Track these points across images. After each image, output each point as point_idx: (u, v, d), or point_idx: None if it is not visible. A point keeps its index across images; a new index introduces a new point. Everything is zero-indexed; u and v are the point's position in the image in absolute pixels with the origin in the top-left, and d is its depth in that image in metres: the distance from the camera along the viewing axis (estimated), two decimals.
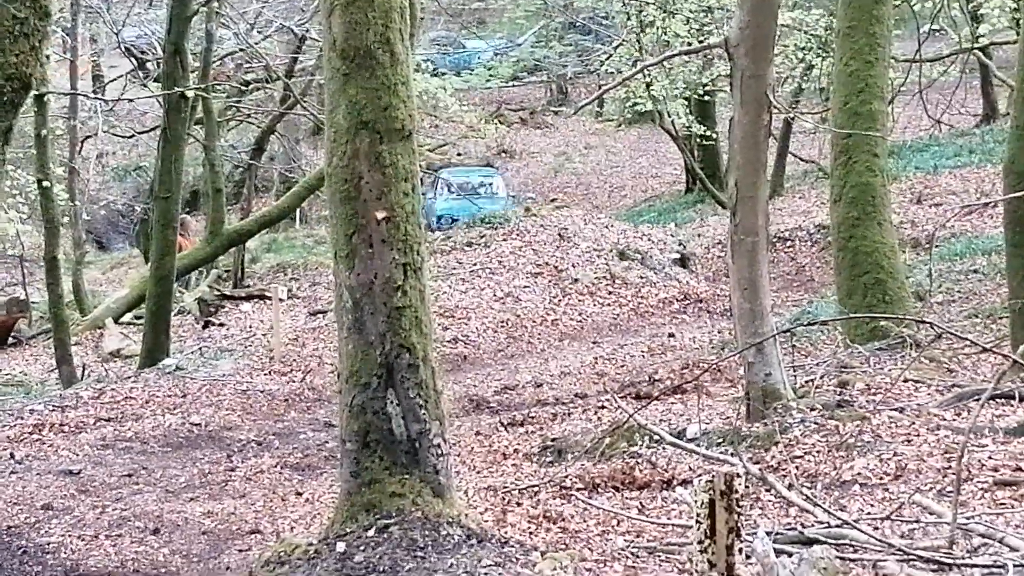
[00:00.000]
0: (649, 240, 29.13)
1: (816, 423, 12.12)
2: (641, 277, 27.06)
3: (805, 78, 31.72)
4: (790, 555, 7.69)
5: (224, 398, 19.26)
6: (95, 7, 32.91)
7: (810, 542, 8.32)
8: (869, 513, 9.51)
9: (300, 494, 13.58)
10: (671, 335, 22.74)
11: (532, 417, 16.30)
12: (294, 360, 21.96)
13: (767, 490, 10.00)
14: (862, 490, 10.31)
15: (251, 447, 16.50)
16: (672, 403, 15.62)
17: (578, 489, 11.50)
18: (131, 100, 32.65)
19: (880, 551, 8.30)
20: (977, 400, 11.43)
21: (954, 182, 29.90)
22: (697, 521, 6.95)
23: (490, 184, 38.45)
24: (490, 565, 8.64)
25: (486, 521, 9.99)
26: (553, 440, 14.01)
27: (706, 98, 34.85)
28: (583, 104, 35.51)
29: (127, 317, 27.58)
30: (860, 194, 17.11)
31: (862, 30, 17.28)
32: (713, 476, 6.84)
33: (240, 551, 11.56)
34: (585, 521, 10.39)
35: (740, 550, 7.35)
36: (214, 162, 29.54)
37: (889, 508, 9.53)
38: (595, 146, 45.43)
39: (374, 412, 9.35)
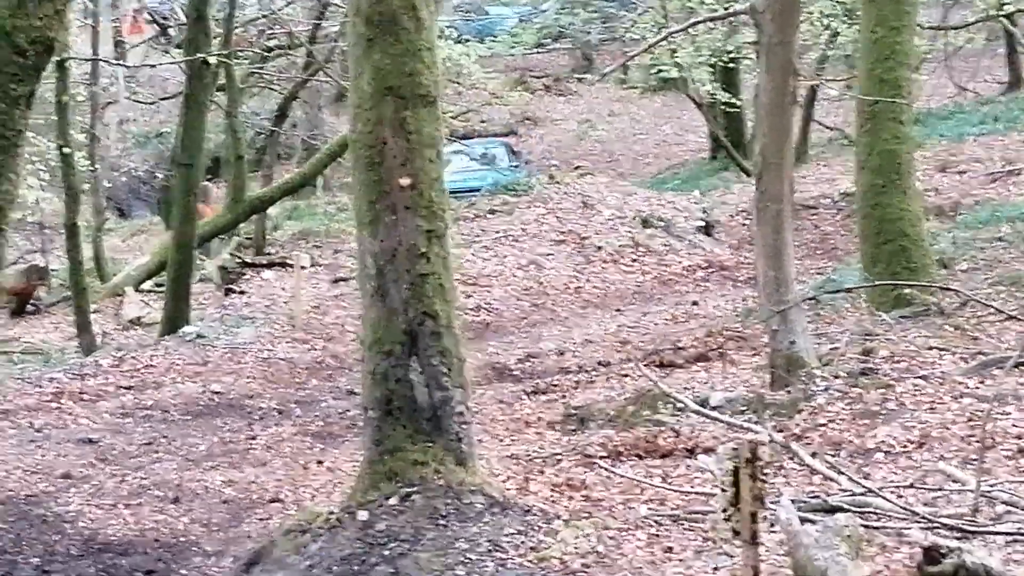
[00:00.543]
0: (673, 208, 29.06)
1: (840, 391, 12.14)
2: (665, 245, 27.00)
3: (830, 45, 31.50)
4: (814, 523, 7.72)
5: (245, 366, 19.26)
6: None
7: (834, 510, 8.35)
8: (893, 481, 9.53)
9: (321, 463, 13.58)
10: (695, 303, 22.70)
11: (555, 385, 16.31)
12: (316, 328, 21.95)
13: (791, 458, 10.01)
14: (886, 458, 10.32)
15: (272, 415, 16.50)
16: (696, 371, 15.63)
17: (601, 457, 11.52)
18: (153, 66, 32.55)
19: (904, 519, 8.33)
20: (1001, 368, 11.44)
21: (979, 150, 29.74)
22: (722, 489, 6.99)
23: (493, 155, 37.92)
24: (513, 533, 8.68)
25: (508, 489, 10.03)
26: (576, 408, 14.03)
27: (731, 65, 34.61)
28: (608, 71, 35.19)
29: (147, 284, 27.59)
30: (885, 162, 17.08)
31: None
32: (738, 444, 6.87)
33: (261, 520, 11.59)
34: (608, 489, 10.41)
35: (764, 518, 7.39)
36: (236, 129, 29.49)
37: (913, 476, 9.55)
38: (619, 113, 45.29)
39: (397, 380, 9.39)
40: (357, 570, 8.48)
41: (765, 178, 13.30)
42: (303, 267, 23.13)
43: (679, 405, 12.29)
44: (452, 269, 9.74)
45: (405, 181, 9.35)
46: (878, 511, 8.52)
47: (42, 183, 26.61)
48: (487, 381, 17.35)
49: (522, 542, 8.55)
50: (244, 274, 28.24)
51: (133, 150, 42.11)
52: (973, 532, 7.90)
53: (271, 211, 31.99)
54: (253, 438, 15.22)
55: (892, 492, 8.95)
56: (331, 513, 9.25)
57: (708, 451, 10.85)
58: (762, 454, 7.11)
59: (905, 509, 8.43)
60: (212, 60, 23.37)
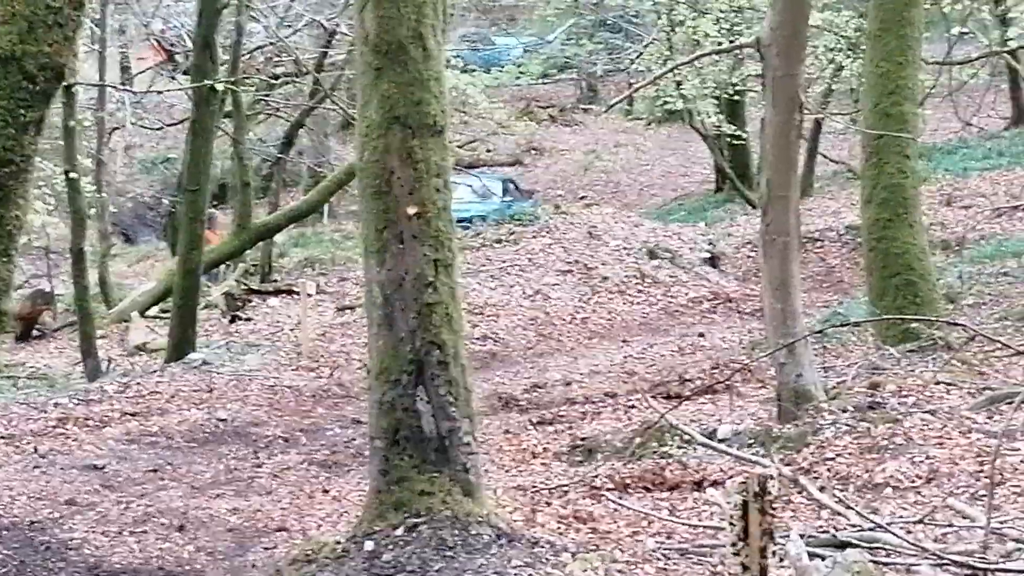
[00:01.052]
0: (679, 239, 29.10)
1: (848, 425, 12.09)
2: (671, 276, 27.03)
3: (835, 79, 31.57)
4: (823, 558, 7.67)
5: (251, 394, 19.20)
6: None
7: (843, 545, 8.30)
8: (902, 516, 9.47)
9: (327, 492, 13.51)
10: (701, 335, 22.70)
11: (561, 416, 16.26)
12: (322, 356, 21.94)
13: (799, 492, 9.96)
14: (894, 493, 10.27)
15: (278, 443, 16.42)
16: (703, 403, 15.57)
17: (608, 489, 11.47)
18: (160, 92, 32.59)
19: (913, 555, 8.28)
20: (1010, 403, 11.39)
21: (983, 184, 29.81)
22: (730, 523, 6.92)
23: (487, 189, 37.20)
24: (520, 565, 8.62)
25: (516, 521, 9.97)
26: (583, 439, 13.99)
27: (736, 98, 34.75)
28: (613, 102, 35.43)
29: (153, 311, 27.56)
30: (891, 195, 17.09)
31: (893, 32, 17.26)
32: (747, 478, 6.82)
33: (266, 549, 11.49)
34: (615, 522, 10.36)
35: (773, 553, 7.32)
36: (242, 156, 29.51)
37: (922, 512, 9.49)
38: (624, 144, 45.29)
39: (404, 409, 9.32)
40: None
41: (771, 211, 13.28)
42: (309, 295, 23.11)
43: (686, 437, 12.25)
44: (460, 298, 9.69)
45: (412, 210, 9.30)
46: (887, 547, 8.46)
47: (48, 208, 26.64)
48: (493, 411, 17.31)
49: (530, 574, 8.49)
50: (250, 301, 28.23)
51: (139, 175, 42.21)
52: (983, 569, 7.84)
53: (277, 238, 32.00)
54: (259, 466, 15.16)
55: (901, 528, 8.90)
56: (337, 543, 9.20)
57: (715, 484, 10.82)
58: (771, 488, 7.04)
59: (915, 545, 8.37)
60: (219, 87, 23.37)
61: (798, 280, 13.41)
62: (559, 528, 10.22)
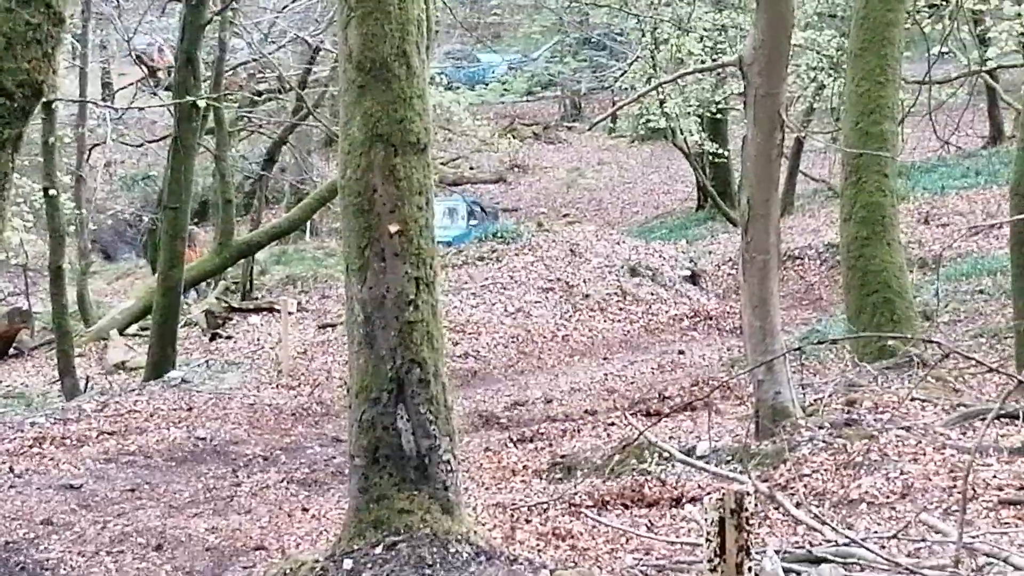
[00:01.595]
0: (660, 257, 29.16)
1: (824, 441, 12.15)
2: (652, 294, 27.08)
3: (817, 97, 31.70)
4: (799, 574, 7.74)
5: (230, 412, 19.16)
6: (106, 14, 32.75)
7: (818, 561, 8.37)
8: (876, 532, 9.54)
9: (306, 510, 13.48)
10: (681, 352, 22.75)
11: (542, 433, 16.27)
12: (302, 374, 21.91)
13: (776, 508, 10.03)
14: (869, 509, 10.34)
15: (257, 462, 16.39)
16: (682, 420, 15.61)
17: (587, 506, 11.51)
18: (141, 109, 32.47)
19: (887, 570, 8.34)
20: (983, 420, 11.49)
21: (961, 203, 29.94)
22: (707, 539, 6.99)
23: (453, 211, 37.17)
24: None
25: (495, 538, 9.99)
26: (563, 457, 14.03)
27: (718, 116, 34.88)
28: (597, 120, 35.57)
29: (132, 328, 27.45)
30: (870, 214, 17.17)
31: (873, 52, 17.35)
32: (724, 494, 6.89)
33: (244, 568, 11.46)
34: (594, 539, 10.40)
35: (749, 569, 7.40)
36: (224, 173, 29.41)
37: (896, 527, 9.55)
38: (608, 162, 45.43)
39: (384, 427, 9.33)
40: None
41: (751, 229, 13.32)
42: (290, 312, 23.11)
43: (665, 454, 12.30)
44: (440, 316, 9.72)
45: (394, 228, 9.30)
46: (862, 562, 8.53)
47: (26, 224, 26.53)
48: (474, 429, 17.34)
49: None
50: (230, 319, 28.19)
51: (120, 192, 42.12)
52: None
53: (258, 256, 31.96)
54: (238, 485, 15.12)
55: (876, 543, 8.96)
56: (316, 562, 9.18)
57: (694, 501, 10.88)
58: (748, 504, 7.12)
59: (888, 560, 8.44)
60: (201, 103, 23.22)
61: (777, 298, 13.46)
62: (538, 545, 10.26)
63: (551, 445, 15.38)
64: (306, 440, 17.67)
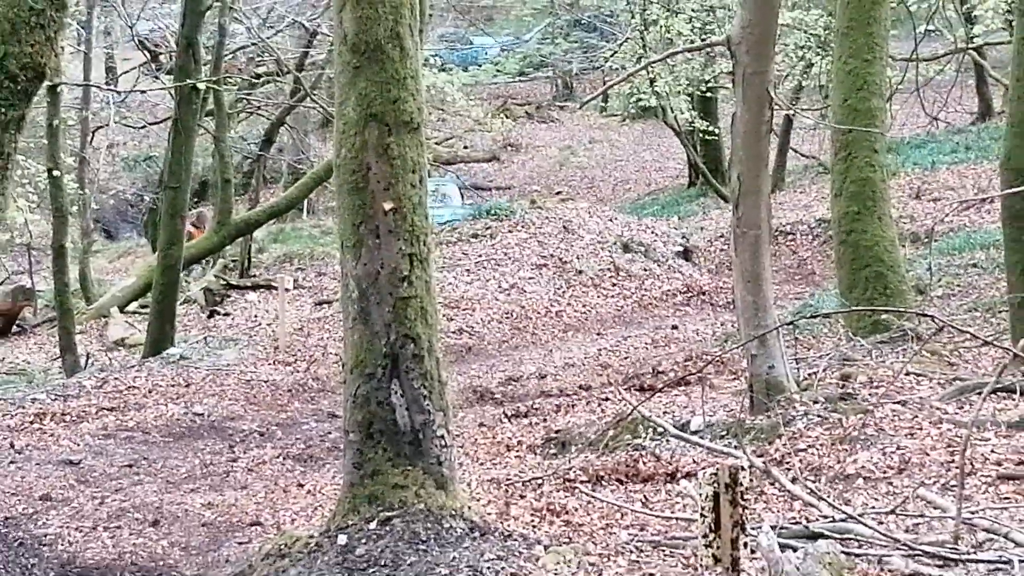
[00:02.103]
0: (652, 233, 29.07)
1: (819, 416, 11.98)
2: (645, 269, 26.99)
3: (805, 76, 31.59)
4: (795, 550, 7.53)
5: (228, 388, 19.09)
6: (111, 1, 32.85)
7: (815, 536, 8.17)
8: (873, 507, 9.34)
9: (302, 485, 13.38)
10: (674, 327, 22.64)
11: (536, 409, 16.17)
12: (298, 350, 21.83)
13: (771, 483, 9.83)
14: (866, 484, 10.14)
15: (253, 437, 16.32)
16: (676, 395, 15.48)
17: (582, 482, 11.35)
18: (143, 92, 32.53)
19: (885, 546, 8.16)
20: (979, 393, 11.26)
21: (952, 178, 29.82)
22: (702, 515, 6.84)
23: (444, 194, 36.58)
24: (493, 559, 8.49)
25: (489, 514, 9.85)
26: (557, 432, 13.88)
27: (708, 94, 34.78)
28: (588, 99, 35.49)
29: (133, 306, 27.51)
30: (860, 189, 17.10)
31: (860, 30, 17.31)
32: (718, 469, 6.71)
33: (240, 543, 11.36)
34: (589, 514, 10.23)
35: (745, 544, 7.21)
36: (224, 153, 29.44)
37: (893, 502, 9.36)
38: (599, 140, 45.31)
39: (378, 403, 9.23)
40: None
41: (742, 205, 13.20)
42: (287, 289, 23.03)
43: (659, 429, 12.13)
44: (435, 292, 9.58)
45: (388, 205, 9.24)
46: (859, 538, 8.33)
47: (30, 204, 26.51)
48: (468, 404, 17.22)
49: (502, 568, 8.34)
50: (228, 296, 28.20)
51: (122, 173, 42.08)
52: (955, 560, 7.72)
53: (256, 234, 31.89)
54: (234, 460, 15.04)
55: (873, 518, 8.76)
56: (311, 537, 9.07)
57: (688, 476, 10.70)
58: (742, 479, 6.93)
59: (886, 536, 8.25)
60: (201, 86, 23.44)
61: (769, 273, 13.34)
62: (532, 521, 10.10)
63: (545, 420, 15.26)
64: (302, 416, 17.58)
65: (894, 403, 12.21)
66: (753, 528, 7.71)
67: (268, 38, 32.03)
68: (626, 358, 19.95)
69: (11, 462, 14.83)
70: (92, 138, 31.97)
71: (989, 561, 7.75)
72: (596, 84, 42.01)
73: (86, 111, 30.10)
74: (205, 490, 13.52)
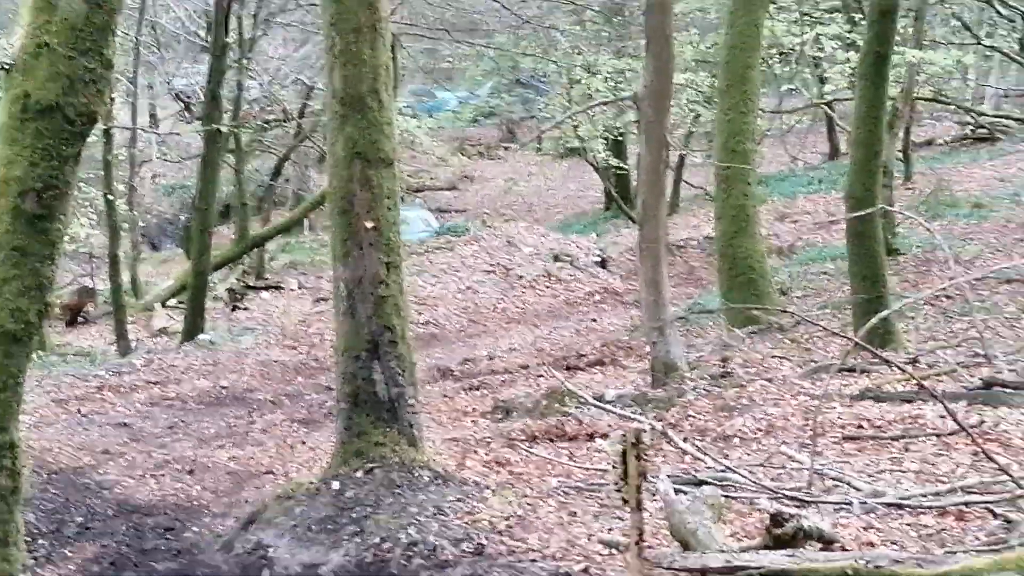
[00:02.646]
0: (576, 246, 28.98)
1: (705, 390, 12.04)
2: (571, 275, 26.92)
3: (695, 124, 31.56)
4: (686, 494, 7.56)
5: (246, 366, 18.95)
6: (153, 62, 32.84)
7: (701, 483, 8.22)
8: (746, 461, 9.40)
9: (305, 443, 13.31)
10: (594, 320, 22.60)
11: (486, 383, 16.13)
12: (302, 337, 21.69)
13: (667, 442, 9.87)
14: (741, 443, 10.20)
15: (267, 406, 16.22)
16: (594, 373, 15.49)
17: (521, 440, 11.35)
18: (179, 134, 32.40)
19: (755, 491, 8.20)
20: (828, 373, 11.36)
21: (808, 205, 29.89)
22: (613, 466, 6.83)
23: (423, 219, 35.92)
24: (452, 500, 8.51)
25: (449, 465, 9.84)
26: (502, 402, 13.86)
27: (620, 138, 34.67)
28: (526, 141, 35.48)
29: (172, 302, 27.32)
30: (737, 213, 17.14)
31: (737, 88, 17.33)
32: (626, 431, 6.72)
33: (257, 488, 11.31)
34: (527, 466, 10.24)
35: (647, 490, 7.22)
36: (242, 182, 29.37)
37: (762, 457, 9.43)
38: (536, 174, 44.95)
39: (363, 379, 9.27)
40: (331, 529, 8.28)
41: (645, 224, 13.25)
42: (292, 290, 22.90)
43: (581, 400, 12.14)
44: (406, 292, 9.58)
45: (369, 224, 9.26)
46: (735, 484, 8.39)
47: (91, 222, 26.31)
48: (433, 380, 17.15)
49: (460, 507, 8.36)
50: (247, 295, 28.01)
51: (163, 198, 41.66)
52: (808, 502, 7.77)
53: (269, 246, 31.72)
54: (252, 423, 14.94)
55: (746, 469, 8.82)
56: (311, 483, 9.07)
57: (603, 436, 10.71)
58: (645, 439, 6.95)
59: (756, 483, 8.31)
60: (224, 129, 23.35)
61: (666, 278, 13.37)
62: (483, 471, 10.09)
63: (493, 392, 15.22)
64: (305, 389, 17.48)
65: (763, 380, 12.28)
66: (653, 477, 7.74)
67: (276, 92, 31.92)
68: (556, 344, 19.91)
69: (78, 424, 14.75)
70: (139, 170, 31.69)
71: (835, 503, 7.81)
72: (533, 129, 41.95)
73: (134, 148, 29.84)
74: (229, 447, 13.46)
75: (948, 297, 16.49)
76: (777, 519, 6.61)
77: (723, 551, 6.32)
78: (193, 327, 21.92)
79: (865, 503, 7.53)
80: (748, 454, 9.73)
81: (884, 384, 11.34)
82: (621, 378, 14.41)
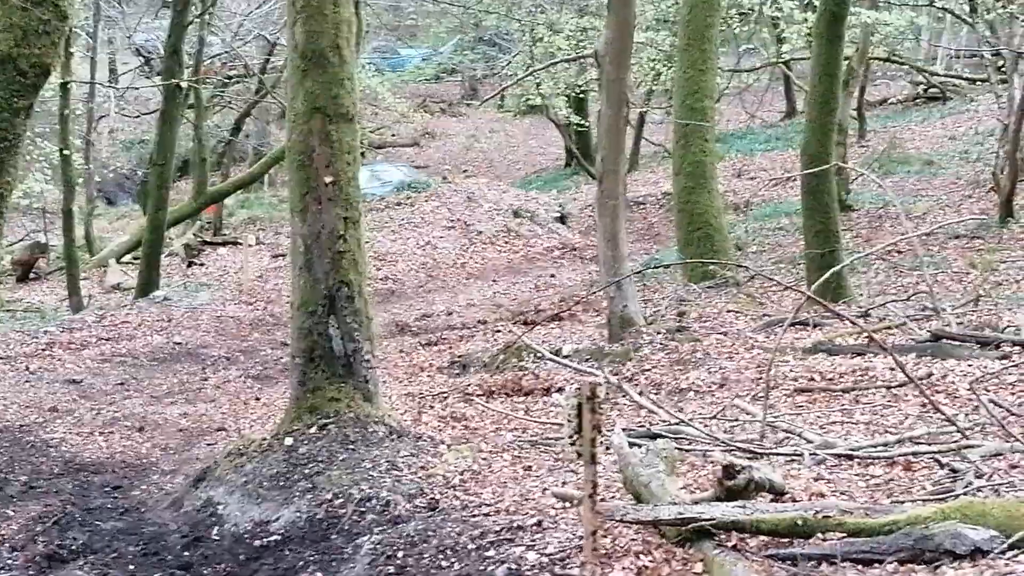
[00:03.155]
0: (537, 203, 28.97)
1: (661, 344, 12.05)
2: (530, 231, 26.91)
3: (655, 82, 31.48)
4: (640, 446, 7.55)
5: (201, 322, 18.84)
6: (113, 16, 32.45)
7: (655, 436, 8.20)
8: (700, 414, 9.40)
9: (259, 399, 13.27)
10: (552, 276, 22.62)
11: (444, 339, 16.11)
12: (259, 293, 21.59)
13: (623, 396, 9.87)
14: (695, 396, 10.21)
15: (221, 362, 16.12)
16: (552, 328, 15.49)
17: (478, 395, 11.34)
18: (138, 88, 32.11)
19: (709, 443, 8.20)
20: (781, 326, 11.38)
21: (765, 162, 29.97)
22: (568, 420, 6.80)
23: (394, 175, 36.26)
24: (407, 455, 8.45)
25: (405, 420, 9.81)
26: (460, 356, 13.85)
27: (581, 96, 34.59)
28: (488, 98, 35.23)
29: (127, 258, 27.10)
30: (695, 169, 17.18)
31: (696, 47, 17.34)
32: (581, 385, 6.70)
33: (208, 445, 11.22)
34: (483, 420, 10.22)
35: (601, 443, 7.20)
36: (201, 138, 28.97)
37: (715, 410, 9.43)
38: (497, 131, 45.03)
39: (319, 334, 9.19)
40: (283, 485, 8.19)
41: (605, 181, 13.23)
42: (250, 245, 22.77)
43: (538, 354, 12.13)
44: (364, 248, 9.51)
45: (328, 179, 9.17)
46: (689, 437, 8.38)
47: (46, 177, 25.99)
48: (391, 335, 17.11)
49: (414, 462, 8.31)
50: (204, 250, 27.82)
51: (120, 153, 41.20)
52: (760, 453, 7.77)
53: (227, 201, 31.46)
54: (205, 380, 14.85)
55: (700, 422, 8.83)
56: (263, 439, 8.99)
57: (559, 390, 10.70)
58: (600, 393, 6.92)
59: (709, 436, 8.30)
60: (184, 85, 23.15)
61: (624, 233, 13.38)
62: (439, 426, 10.06)
63: (451, 348, 15.20)
64: (260, 344, 17.40)
65: (718, 334, 12.30)
66: (608, 430, 7.73)
67: (238, 47, 31.62)
68: (514, 299, 19.91)
69: (26, 381, 14.56)
70: (96, 125, 31.35)
71: (786, 454, 7.81)
72: (495, 87, 41.76)
73: (91, 103, 29.51)
74: (181, 403, 13.36)
75: (899, 252, 16.59)
76: (729, 471, 6.59)
77: (675, 503, 6.30)
78: (148, 283, 21.73)
79: (816, 455, 7.53)
80: (702, 407, 9.74)
81: (836, 337, 11.38)
82: (578, 333, 14.41)
